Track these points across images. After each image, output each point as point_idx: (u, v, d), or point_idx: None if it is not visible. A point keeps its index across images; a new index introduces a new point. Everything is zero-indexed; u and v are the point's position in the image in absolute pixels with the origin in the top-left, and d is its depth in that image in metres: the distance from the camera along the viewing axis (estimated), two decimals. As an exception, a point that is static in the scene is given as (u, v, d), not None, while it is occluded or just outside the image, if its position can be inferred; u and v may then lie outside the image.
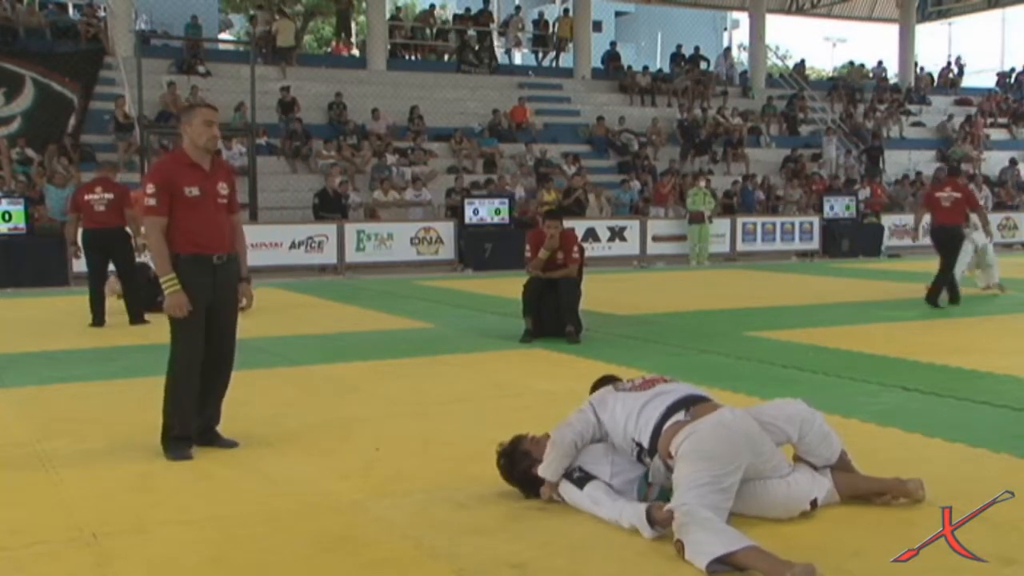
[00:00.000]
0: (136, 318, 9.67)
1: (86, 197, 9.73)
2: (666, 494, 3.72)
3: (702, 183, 18.91)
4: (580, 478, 3.92)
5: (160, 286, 4.86)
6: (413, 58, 26.28)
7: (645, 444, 3.84)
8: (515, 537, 3.64)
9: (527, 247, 8.79)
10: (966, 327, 9.64)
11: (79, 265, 14.63)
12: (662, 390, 4.01)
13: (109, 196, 9.62)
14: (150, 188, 4.80)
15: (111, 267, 9.95)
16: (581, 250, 8.85)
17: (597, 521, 3.77)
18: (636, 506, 3.72)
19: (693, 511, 3.39)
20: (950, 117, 27.85)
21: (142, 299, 9.72)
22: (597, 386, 4.28)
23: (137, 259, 9.97)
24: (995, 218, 21.52)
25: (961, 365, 7.10)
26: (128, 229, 9.73)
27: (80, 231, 9.97)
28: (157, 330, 8.95)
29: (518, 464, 4.06)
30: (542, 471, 3.97)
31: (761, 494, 3.76)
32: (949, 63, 33.00)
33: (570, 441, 3.96)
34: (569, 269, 8.66)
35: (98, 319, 9.67)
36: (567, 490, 3.94)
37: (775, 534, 3.61)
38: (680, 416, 3.82)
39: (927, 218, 11.53)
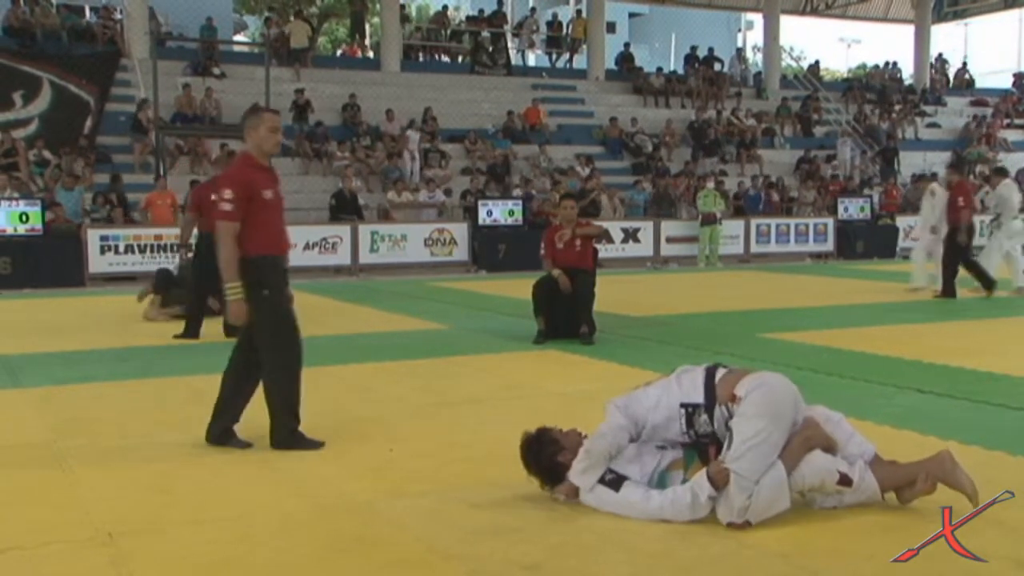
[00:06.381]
0: (232, 330, 8.43)
1: (213, 196, 9.04)
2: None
3: (711, 184, 18.86)
4: (613, 480, 3.88)
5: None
6: (427, 59, 26.33)
7: (700, 400, 3.90)
8: (528, 538, 3.64)
9: (542, 245, 8.81)
10: (982, 329, 9.58)
11: (95, 266, 14.78)
12: (685, 368, 4.12)
13: None
14: (228, 194, 4.81)
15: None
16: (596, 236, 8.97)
17: (610, 523, 3.77)
18: (691, 483, 3.77)
19: (745, 483, 3.64)
20: (969, 117, 27.68)
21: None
22: None
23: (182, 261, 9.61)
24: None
25: (977, 367, 7.06)
26: None
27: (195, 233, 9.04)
28: (173, 330, 9.04)
29: (545, 450, 4.01)
30: (574, 477, 3.92)
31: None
32: (964, 64, 32.85)
33: (605, 451, 3.92)
34: (590, 229, 8.74)
35: (193, 331, 8.83)
36: (599, 494, 3.89)
37: (783, 536, 3.62)
38: (723, 372, 3.98)
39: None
